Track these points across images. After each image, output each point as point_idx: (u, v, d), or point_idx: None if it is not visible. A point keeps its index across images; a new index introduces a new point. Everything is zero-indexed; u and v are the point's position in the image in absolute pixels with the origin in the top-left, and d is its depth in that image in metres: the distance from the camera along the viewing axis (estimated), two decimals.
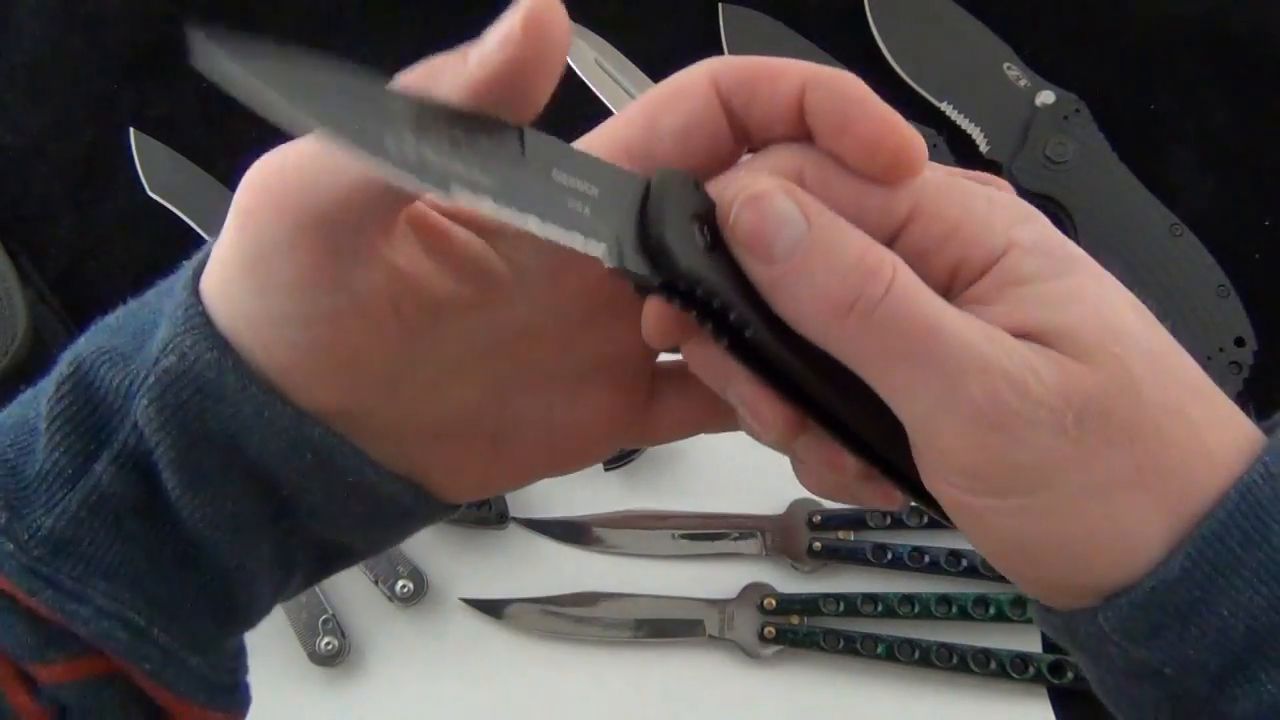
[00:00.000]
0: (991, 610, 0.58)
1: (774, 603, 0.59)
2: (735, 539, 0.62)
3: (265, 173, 0.27)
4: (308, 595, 0.59)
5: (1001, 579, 0.61)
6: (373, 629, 0.60)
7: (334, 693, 0.59)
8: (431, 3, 0.75)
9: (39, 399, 0.28)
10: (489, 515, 0.60)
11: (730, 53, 0.72)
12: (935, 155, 0.68)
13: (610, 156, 0.27)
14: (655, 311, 0.27)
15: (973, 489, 0.26)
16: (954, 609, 0.58)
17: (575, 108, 0.71)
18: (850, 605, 0.59)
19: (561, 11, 0.24)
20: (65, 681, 0.28)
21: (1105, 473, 0.26)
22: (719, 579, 0.61)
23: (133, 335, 0.28)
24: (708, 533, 0.62)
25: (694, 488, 0.63)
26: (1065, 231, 0.71)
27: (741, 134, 0.28)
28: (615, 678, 0.59)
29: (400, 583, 0.59)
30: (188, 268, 0.29)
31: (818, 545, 0.60)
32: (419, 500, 0.31)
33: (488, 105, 0.25)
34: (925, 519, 0.61)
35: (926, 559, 0.59)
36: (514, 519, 0.62)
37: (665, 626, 0.60)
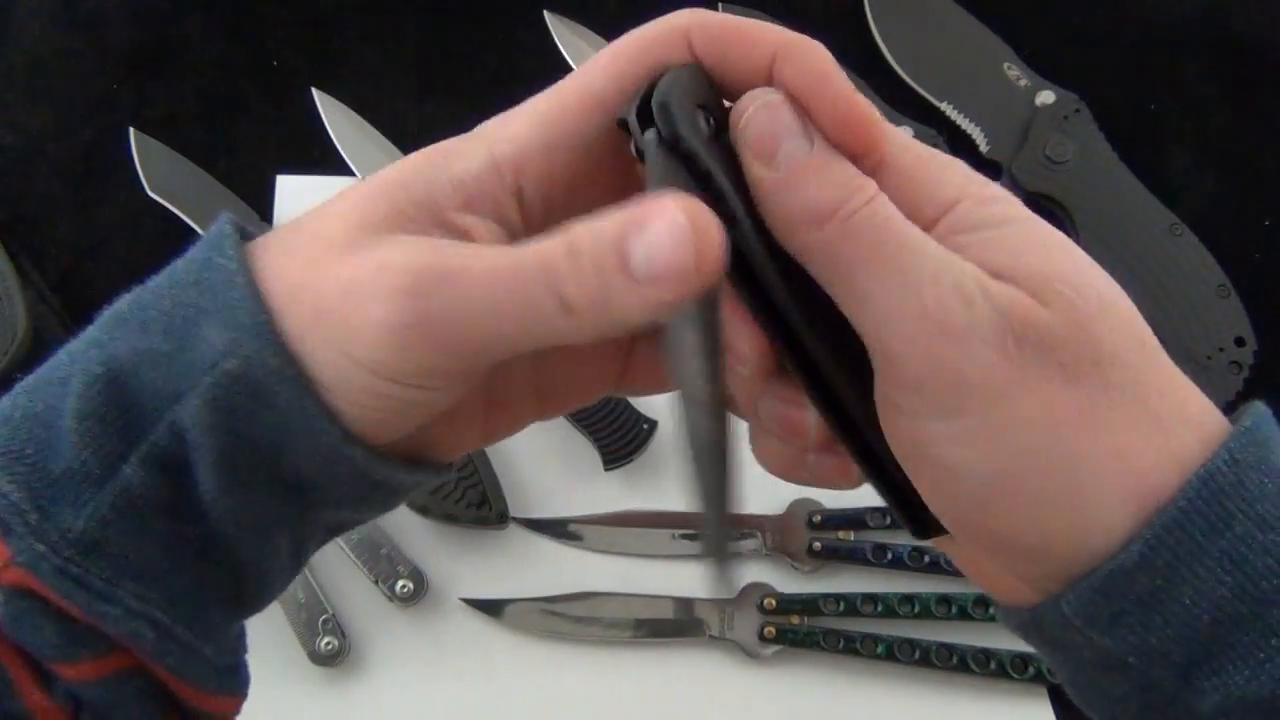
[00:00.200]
0: (991, 610, 0.58)
1: (774, 603, 0.59)
2: (735, 539, 0.62)
3: (426, 300, 0.26)
4: (307, 595, 0.59)
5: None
6: (373, 629, 0.60)
7: (334, 693, 0.59)
8: (431, 3, 0.75)
9: (57, 395, 0.28)
10: (489, 515, 0.60)
11: None
12: None
13: (581, 108, 0.28)
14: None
15: (923, 409, 0.27)
16: (954, 609, 0.58)
17: None
18: (850, 605, 0.59)
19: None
20: (90, 679, 0.28)
21: (1049, 407, 0.26)
22: None
23: (166, 335, 0.28)
24: None
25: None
26: (1065, 231, 0.71)
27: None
28: (615, 678, 0.59)
29: (400, 583, 0.59)
30: (226, 258, 0.28)
31: (818, 545, 0.60)
32: (431, 475, 0.32)
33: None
34: None
35: (926, 559, 0.59)
36: (514, 519, 0.62)
37: (665, 626, 0.60)
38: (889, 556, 0.60)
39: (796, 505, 0.62)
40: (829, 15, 0.74)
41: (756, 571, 0.61)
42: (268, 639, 0.59)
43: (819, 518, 0.61)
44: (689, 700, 0.59)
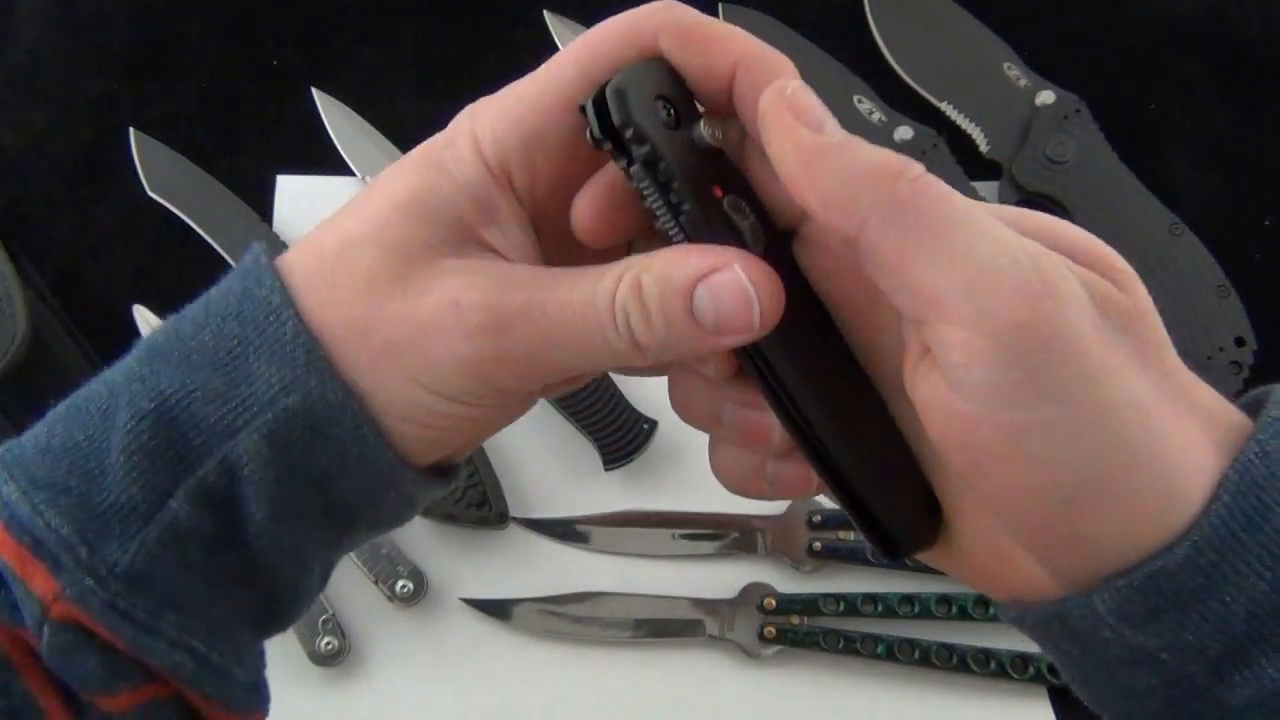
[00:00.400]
0: (991, 610, 0.58)
1: (774, 603, 0.59)
2: (735, 539, 0.62)
3: (506, 338, 0.27)
4: None
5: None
6: (373, 629, 0.60)
7: (334, 693, 0.59)
8: (431, 3, 0.75)
9: (99, 427, 0.28)
10: (489, 515, 0.60)
11: None
12: (935, 155, 0.68)
13: (552, 103, 0.28)
14: (602, 189, 0.29)
15: (1012, 394, 0.24)
16: (954, 609, 0.58)
17: None
18: (850, 605, 0.59)
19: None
20: (126, 709, 0.29)
21: (1134, 390, 0.25)
22: (719, 579, 0.61)
23: (213, 369, 0.28)
24: (708, 533, 0.62)
25: (694, 488, 0.63)
26: None
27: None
28: (615, 678, 0.59)
29: (400, 583, 0.59)
30: (267, 289, 0.29)
31: (818, 545, 0.60)
32: (447, 484, 0.32)
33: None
34: None
35: None
36: (514, 519, 0.62)
37: (665, 626, 0.60)
38: (885, 558, 0.60)
39: (796, 505, 0.62)
40: (829, 15, 0.74)
41: (756, 571, 0.61)
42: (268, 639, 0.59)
43: (819, 518, 0.61)
44: (689, 700, 0.59)
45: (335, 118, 0.70)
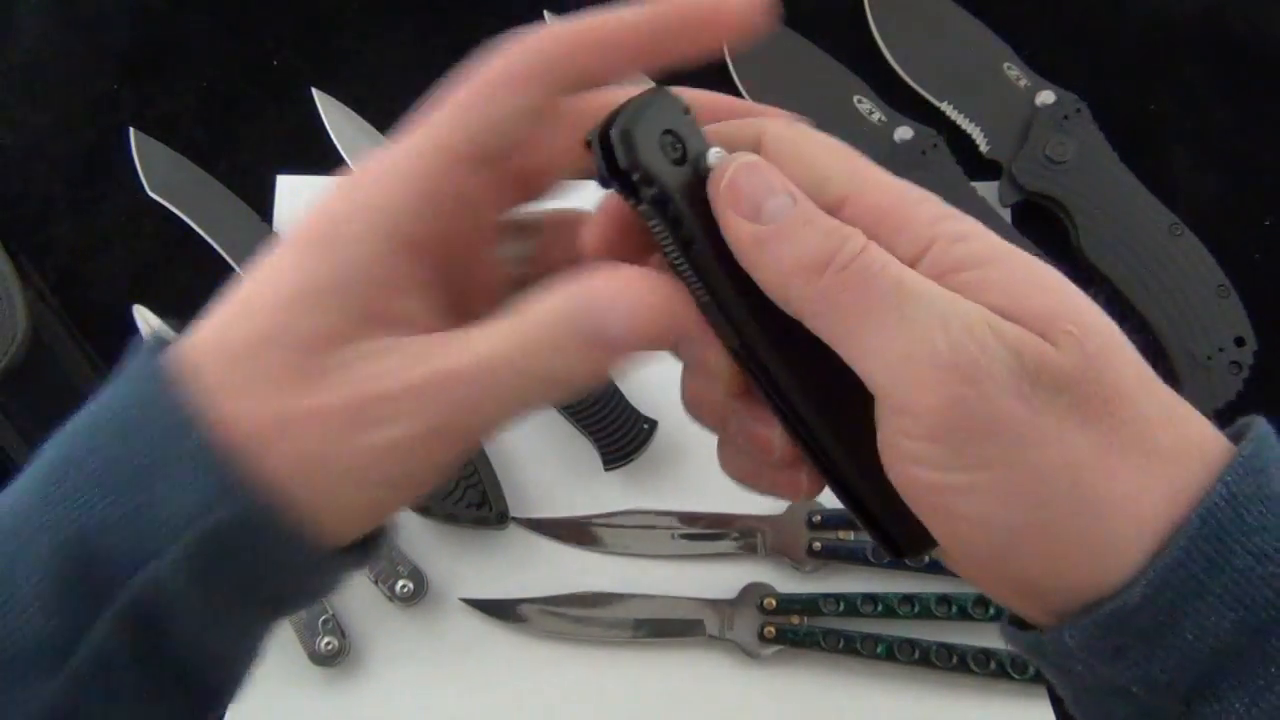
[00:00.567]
0: (991, 610, 0.58)
1: (774, 603, 0.59)
2: (735, 539, 0.62)
3: (435, 414, 0.27)
4: None
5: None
6: (373, 629, 0.60)
7: (334, 693, 0.59)
8: (431, 3, 0.75)
9: (5, 557, 0.26)
10: (489, 515, 0.60)
11: (729, 53, 0.71)
12: (935, 155, 0.68)
13: (440, 165, 0.28)
14: (607, 215, 0.29)
15: (940, 459, 0.26)
16: (954, 609, 0.58)
17: None
18: (850, 605, 0.59)
19: None
20: None
21: (1067, 452, 0.26)
22: (719, 579, 0.61)
23: (118, 492, 0.26)
24: (708, 533, 0.62)
25: (694, 488, 0.63)
26: (1065, 232, 0.71)
27: None
28: (615, 678, 0.59)
29: (400, 583, 0.59)
30: (168, 398, 0.27)
31: (818, 545, 0.60)
32: (379, 546, 0.32)
33: None
34: None
35: (926, 559, 0.59)
36: (514, 519, 0.62)
37: (665, 626, 0.60)
38: (889, 557, 0.60)
39: (797, 505, 0.62)
40: (829, 15, 0.74)
41: (756, 571, 0.61)
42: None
43: (819, 518, 0.61)
44: (689, 700, 0.59)
45: (335, 118, 0.70)
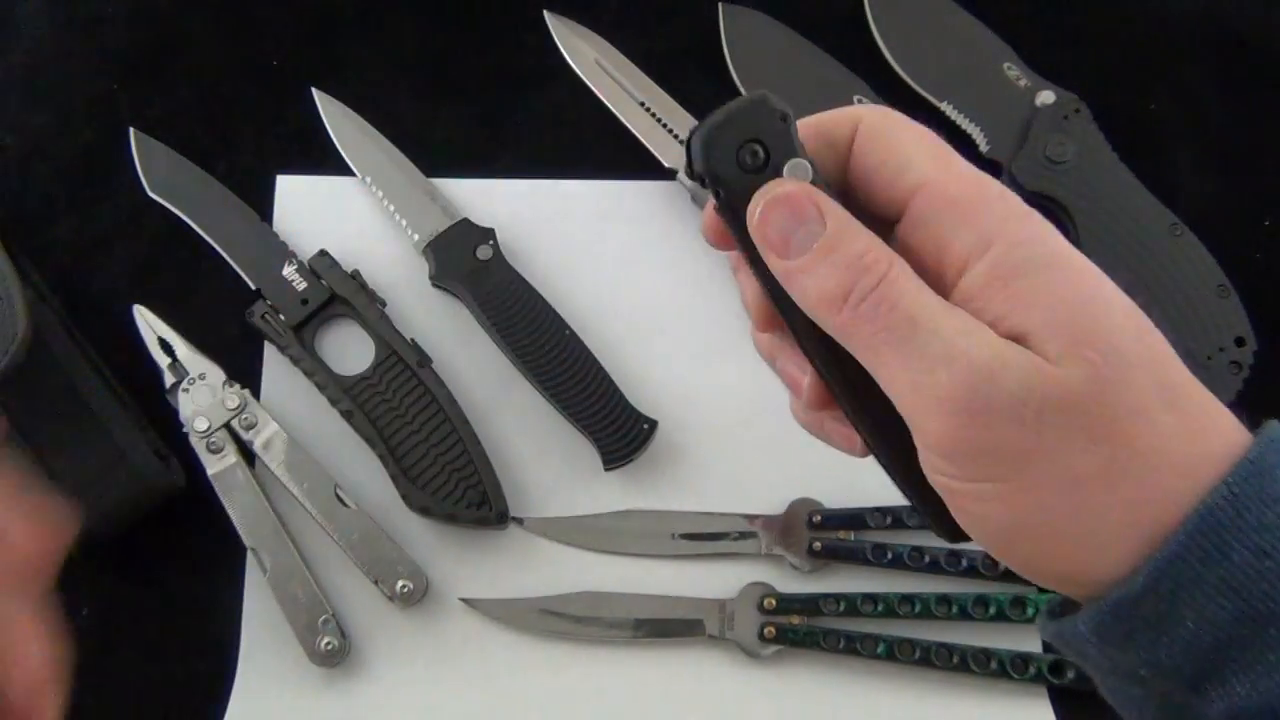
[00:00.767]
0: (991, 610, 0.58)
1: (774, 603, 0.59)
2: (735, 539, 0.62)
3: None
4: (307, 595, 0.59)
5: (1001, 579, 0.61)
6: (373, 629, 0.60)
7: (334, 693, 0.59)
8: (431, 3, 0.75)
9: None
10: (489, 515, 0.60)
11: (730, 53, 0.72)
12: None
13: None
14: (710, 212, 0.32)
15: (954, 474, 0.29)
16: (954, 609, 0.58)
17: (575, 108, 0.71)
18: (850, 605, 0.59)
19: None
20: None
21: (1068, 469, 0.28)
22: (719, 579, 0.61)
23: None
24: (708, 533, 0.62)
25: (694, 488, 0.63)
26: (1065, 232, 0.71)
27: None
28: (615, 678, 0.59)
29: (400, 583, 0.59)
30: None
31: (818, 545, 0.60)
32: None
33: None
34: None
35: (926, 559, 0.59)
36: (514, 519, 0.62)
37: (665, 626, 0.60)
38: (889, 556, 0.60)
39: (796, 505, 0.62)
40: (829, 15, 0.74)
41: (756, 571, 0.61)
42: (268, 639, 0.59)
43: (819, 518, 0.61)
44: (689, 700, 0.59)
45: (335, 118, 0.70)
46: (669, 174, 0.68)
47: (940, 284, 0.29)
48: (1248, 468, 0.27)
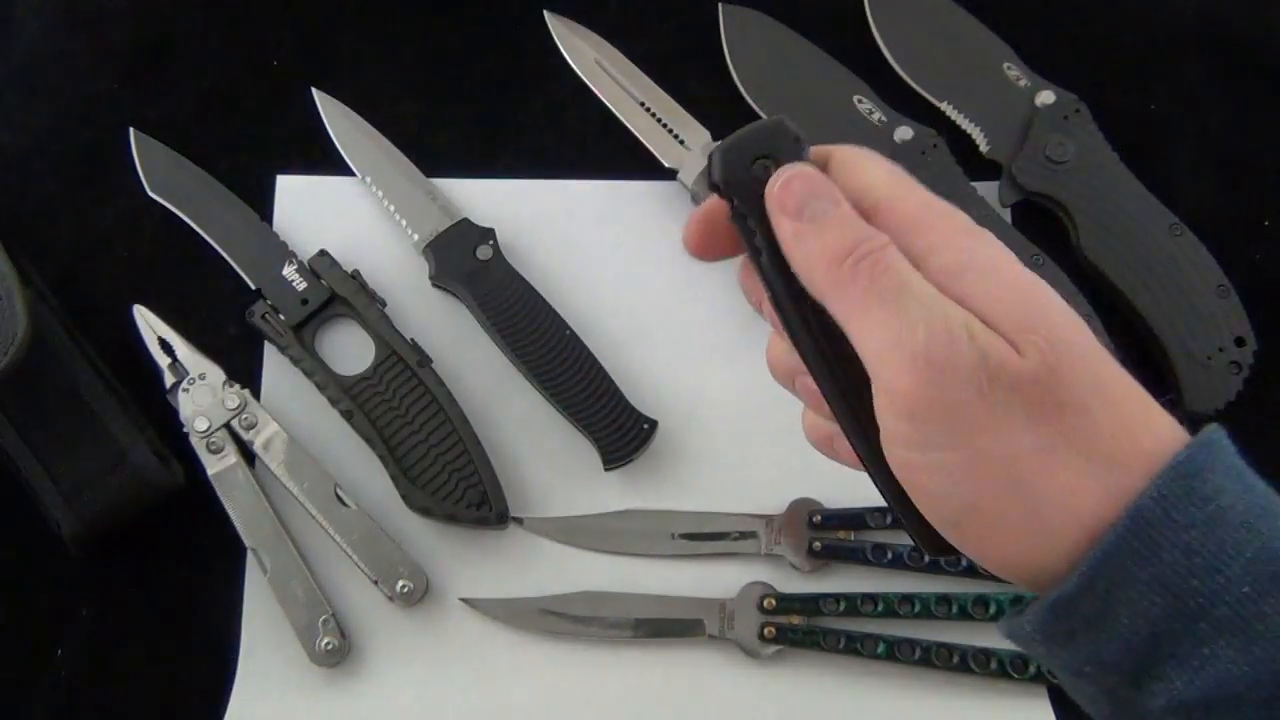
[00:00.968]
0: (991, 610, 0.58)
1: (774, 603, 0.59)
2: (735, 539, 0.62)
3: None
4: (307, 595, 0.59)
5: (1002, 578, 0.60)
6: (373, 629, 0.60)
7: (334, 693, 0.59)
8: (432, 3, 0.75)
9: None
10: (489, 515, 0.60)
11: (730, 53, 0.72)
12: (935, 155, 0.68)
13: None
14: (700, 216, 0.35)
15: (913, 437, 0.31)
16: (954, 609, 0.58)
17: (575, 108, 0.71)
18: (850, 605, 0.59)
19: None
20: None
21: (1010, 443, 0.30)
22: (719, 579, 0.61)
23: None
24: (708, 532, 0.62)
25: (694, 488, 0.63)
26: (1065, 232, 0.71)
27: None
28: (615, 678, 0.59)
29: (400, 583, 0.59)
30: None
31: (818, 545, 0.60)
32: None
33: None
34: None
35: (926, 559, 0.59)
36: (514, 519, 0.62)
37: (665, 626, 0.60)
38: (889, 556, 0.60)
39: (797, 505, 0.62)
40: (829, 15, 0.74)
41: (756, 571, 0.61)
42: (268, 639, 0.59)
43: (819, 518, 0.61)
44: (689, 700, 0.59)
45: (335, 118, 0.70)
46: (669, 174, 0.68)
47: None
48: (1178, 468, 0.29)
